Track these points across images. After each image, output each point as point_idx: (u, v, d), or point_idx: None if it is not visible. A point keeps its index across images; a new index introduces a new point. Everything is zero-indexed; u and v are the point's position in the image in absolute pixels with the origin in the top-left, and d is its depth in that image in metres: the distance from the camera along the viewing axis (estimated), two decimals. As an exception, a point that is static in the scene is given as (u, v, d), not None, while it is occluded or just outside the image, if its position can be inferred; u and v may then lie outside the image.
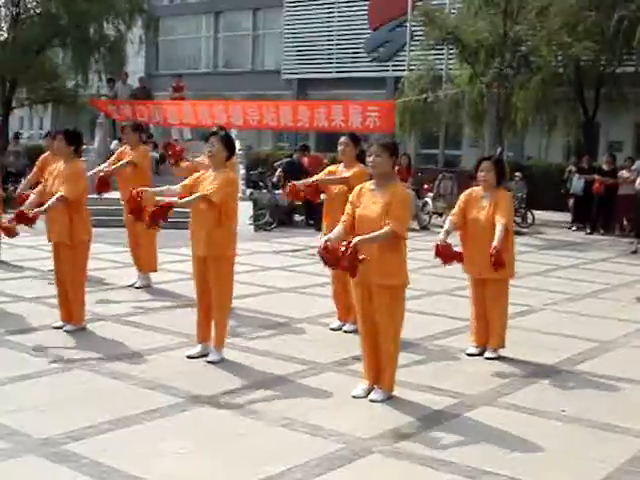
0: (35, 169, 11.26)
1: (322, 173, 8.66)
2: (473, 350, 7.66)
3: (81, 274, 8.04)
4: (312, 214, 18.69)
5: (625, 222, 18.88)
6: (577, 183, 19.73)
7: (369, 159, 6.17)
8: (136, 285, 10.30)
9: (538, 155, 27.31)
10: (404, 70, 26.89)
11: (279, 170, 18.94)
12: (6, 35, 27.03)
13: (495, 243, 7.04)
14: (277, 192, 18.39)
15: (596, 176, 19.16)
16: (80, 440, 5.16)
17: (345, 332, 8.33)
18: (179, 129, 22.03)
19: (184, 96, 22.43)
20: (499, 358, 7.52)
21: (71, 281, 7.95)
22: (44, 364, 6.85)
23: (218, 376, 6.72)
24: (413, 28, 26.34)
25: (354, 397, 6.23)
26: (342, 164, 8.40)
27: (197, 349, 7.21)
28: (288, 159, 19.29)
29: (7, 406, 5.77)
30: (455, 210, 7.63)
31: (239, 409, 5.91)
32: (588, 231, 19.03)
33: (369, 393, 6.26)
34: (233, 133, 20.65)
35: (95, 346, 7.46)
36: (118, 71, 24.17)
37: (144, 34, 27.81)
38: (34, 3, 27.51)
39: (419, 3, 25.48)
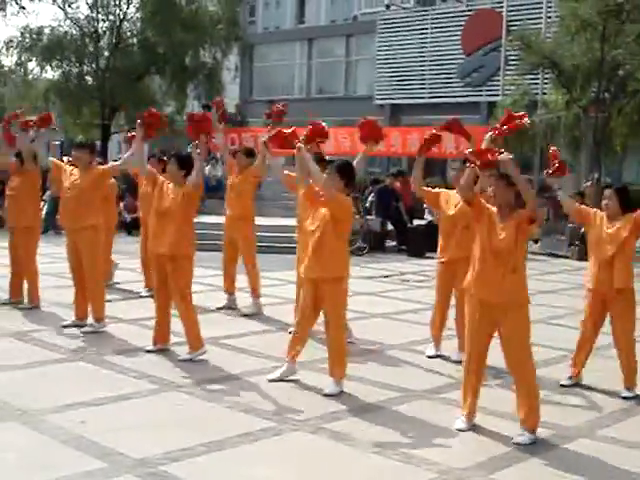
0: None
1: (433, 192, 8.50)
2: (567, 382, 7.50)
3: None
4: (404, 240, 18.67)
5: None
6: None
7: (490, 189, 6.14)
8: (244, 312, 10.47)
9: (636, 181, 26.67)
10: (498, 95, 26.69)
11: (372, 195, 18.96)
12: (107, 63, 27.91)
13: None
14: (369, 217, 18.42)
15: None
16: (176, 462, 5.24)
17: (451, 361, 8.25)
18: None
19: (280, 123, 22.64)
20: (593, 389, 7.35)
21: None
22: (141, 385, 6.99)
23: (311, 401, 6.74)
24: (507, 53, 26.16)
25: (458, 430, 6.11)
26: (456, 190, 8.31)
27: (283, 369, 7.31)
28: (380, 185, 19.28)
29: (105, 425, 5.90)
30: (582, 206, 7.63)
31: (332, 434, 5.91)
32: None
33: (470, 425, 6.17)
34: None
35: (190, 368, 7.57)
36: (214, 98, 24.61)
37: (239, 61, 28.29)
38: (133, 32, 28.41)
39: (514, 28, 25.30)
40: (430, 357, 8.42)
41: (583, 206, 7.75)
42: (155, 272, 8.14)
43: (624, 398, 7.15)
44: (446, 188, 8.65)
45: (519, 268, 5.99)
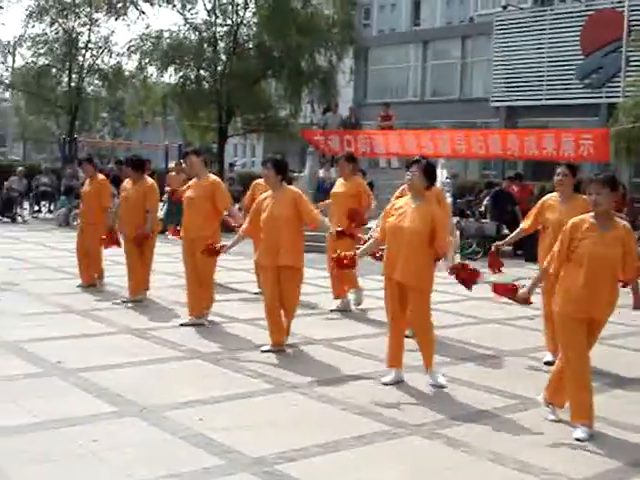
0: (249, 194, 11.77)
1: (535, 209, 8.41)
2: None
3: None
4: (520, 244, 18.32)
5: None
6: None
7: (590, 198, 6.02)
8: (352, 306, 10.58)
9: None
10: (618, 97, 25.98)
11: (487, 199, 18.71)
12: (224, 67, 28.44)
13: None
14: (484, 221, 18.18)
15: None
16: (292, 461, 5.28)
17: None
18: (387, 159, 22.27)
19: (392, 125, 22.66)
20: None
21: (292, 305, 8.30)
22: (257, 384, 7.08)
23: (425, 405, 6.70)
24: (628, 54, 25.42)
25: (577, 440, 5.95)
26: (558, 194, 8.16)
27: (391, 376, 7.28)
28: (497, 188, 19.01)
29: (222, 423, 6.00)
30: None
31: (447, 440, 5.85)
32: None
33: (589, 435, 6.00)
34: (440, 162, 20.71)
35: (305, 369, 7.63)
36: (329, 101, 24.79)
37: (354, 64, 28.38)
38: (250, 36, 28.84)
39: (636, 28, 24.58)
40: (547, 363, 8.24)
41: None
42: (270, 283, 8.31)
43: None
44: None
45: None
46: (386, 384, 7.18)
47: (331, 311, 10.57)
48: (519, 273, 15.31)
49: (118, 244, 11.17)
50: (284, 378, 7.31)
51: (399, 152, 19.98)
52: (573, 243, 6.07)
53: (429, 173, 7.22)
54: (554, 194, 8.28)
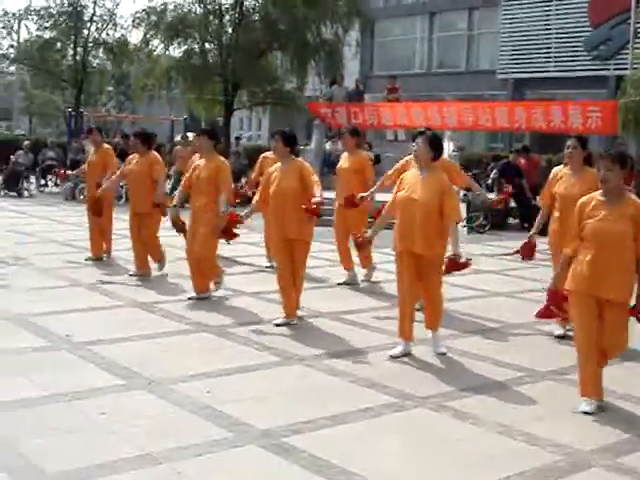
0: (257, 168, 11.72)
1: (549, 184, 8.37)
2: None
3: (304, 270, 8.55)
4: (527, 217, 18.28)
5: None
6: None
7: (600, 173, 5.95)
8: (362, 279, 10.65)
9: None
10: (627, 69, 25.79)
11: (494, 172, 18.63)
12: (229, 40, 28.26)
13: None
14: (491, 194, 18.10)
15: None
16: (300, 434, 5.30)
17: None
18: (393, 130, 22.16)
19: (399, 97, 22.52)
20: None
21: (300, 278, 8.35)
22: (264, 357, 7.09)
23: (433, 377, 6.71)
24: (637, 25, 25.22)
25: (584, 412, 5.93)
26: (569, 167, 8.12)
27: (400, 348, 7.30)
28: (504, 160, 18.93)
29: (230, 396, 6.01)
30: None
31: (455, 412, 5.85)
32: None
33: (597, 408, 5.99)
34: (447, 134, 20.61)
35: (312, 342, 7.64)
36: (335, 74, 24.63)
37: (360, 36, 28.19)
38: (255, 8, 28.64)
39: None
40: (559, 337, 8.23)
41: None
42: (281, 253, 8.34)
43: None
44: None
45: None
46: (394, 357, 7.18)
47: (338, 284, 10.56)
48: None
49: (100, 214, 11.35)
50: (292, 350, 7.32)
51: (406, 124, 19.85)
52: (582, 222, 6.02)
53: (435, 144, 7.21)
54: (562, 167, 8.24)
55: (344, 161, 10.71)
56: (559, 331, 8.27)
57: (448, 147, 19.44)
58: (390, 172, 9.37)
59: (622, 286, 5.91)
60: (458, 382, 6.59)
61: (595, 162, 6.05)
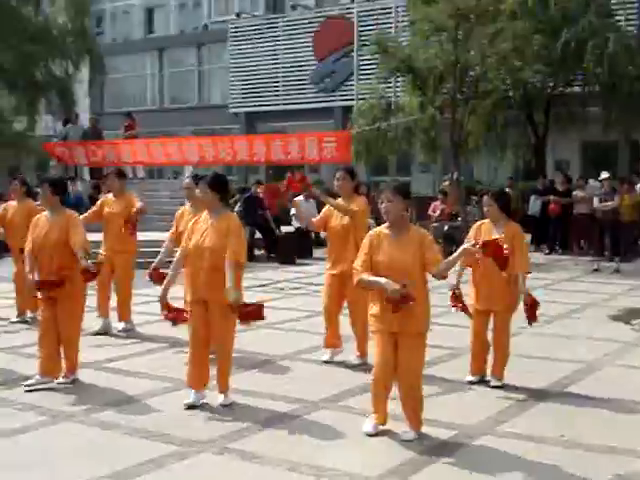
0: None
1: (322, 214, 8.50)
2: (471, 378, 7.63)
3: None
4: (273, 248, 18.63)
5: (582, 242, 19.21)
6: (534, 204, 19.97)
7: (382, 205, 6.08)
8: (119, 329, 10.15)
9: (487, 178, 27.58)
10: (352, 100, 27.06)
11: (238, 205, 18.79)
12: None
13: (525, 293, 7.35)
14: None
15: (552, 197, 19.44)
16: (83, 497, 4.99)
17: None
18: (132, 168, 21.82)
19: (137, 134, 22.25)
20: (487, 385, 7.52)
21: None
22: (29, 418, 6.62)
23: (210, 420, 6.57)
24: (360, 58, 26.58)
25: (368, 434, 6.06)
26: (340, 199, 8.30)
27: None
28: (247, 193, 19.16)
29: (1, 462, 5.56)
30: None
31: (239, 454, 5.76)
32: (547, 251, 19.22)
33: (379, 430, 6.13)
34: (189, 169, 20.61)
35: (77, 396, 7.23)
36: (69, 112, 23.90)
37: (90, 74, 27.59)
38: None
39: (365, 34, 25.77)
40: (326, 362, 8.39)
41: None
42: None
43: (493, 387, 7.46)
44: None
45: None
46: (189, 407, 6.84)
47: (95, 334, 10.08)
48: (275, 276, 15.56)
49: None
50: (57, 408, 6.89)
51: (146, 161, 19.65)
52: (371, 255, 6.09)
53: (218, 186, 6.93)
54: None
55: (112, 205, 10.17)
56: (326, 356, 8.44)
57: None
58: (173, 229, 9.02)
59: (418, 316, 6.01)
60: (238, 421, 6.49)
61: (376, 195, 6.22)
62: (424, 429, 6.16)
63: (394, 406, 6.22)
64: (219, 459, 5.69)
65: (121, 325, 10.17)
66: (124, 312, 10.22)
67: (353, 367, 8.20)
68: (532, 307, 7.40)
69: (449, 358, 8.59)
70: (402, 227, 6.08)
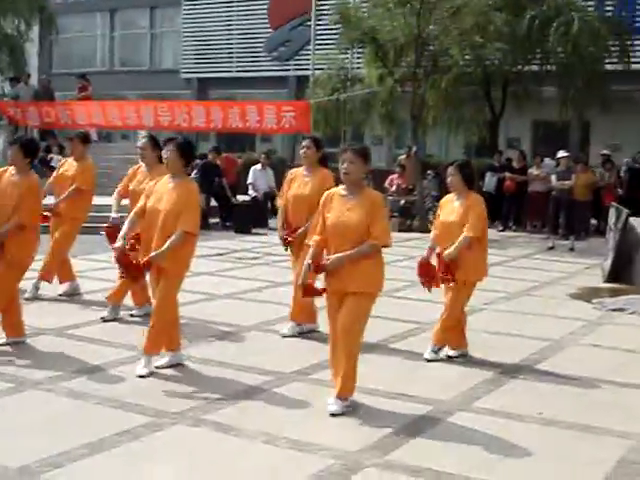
0: None
1: (285, 184, 8.36)
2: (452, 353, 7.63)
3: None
4: (229, 216, 18.44)
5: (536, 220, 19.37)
6: (489, 181, 20.04)
7: (342, 166, 6.01)
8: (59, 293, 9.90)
9: (439, 153, 27.64)
10: (307, 69, 26.81)
11: (195, 171, 18.50)
12: None
13: (450, 251, 7.15)
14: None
15: (507, 174, 19.55)
16: (58, 468, 4.82)
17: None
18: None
19: (91, 96, 21.76)
20: (458, 360, 7.51)
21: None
22: (-7, 385, 6.42)
23: (182, 390, 6.44)
24: (317, 27, 26.29)
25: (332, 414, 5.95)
26: (304, 167, 8.18)
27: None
28: (204, 160, 18.87)
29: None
30: (435, 222, 7.77)
31: (215, 425, 5.64)
32: (500, 228, 19.33)
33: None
34: (141, 134, 20.18)
35: (43, 363, 7.04)
36: (20, 71, 23.27)
37: (42, 32, 26.91)
38: None
39: (323, 3, 25.49)
40: (286, 336, 8.28)
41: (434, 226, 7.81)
42: None
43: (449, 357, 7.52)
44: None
45: None
46: (142, 376, 6.73)
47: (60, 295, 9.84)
48: (232, 245, 15.42)
49: None
50: (22, 375, 6.69)
51: (101, 123, 19.25)
52: (325, 216, 6.09)
53: (186, 152, 6.86)
54: (300, 168, 8.34)
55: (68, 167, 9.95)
56: (285, 331, 8.32)
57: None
58: (123, 184, 8.87)
59: (365, 274, 5.97)
60: (210, 392, 6.38)
61: (338, 156, 6.10)
62: (399, 404, 6.13)
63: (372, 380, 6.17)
64: (196, 431, 5.56)
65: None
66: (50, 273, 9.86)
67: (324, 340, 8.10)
68: (446, 271, 7.26)
69: (418, 332, 8.55)
70: (357, 189, 6.04)
